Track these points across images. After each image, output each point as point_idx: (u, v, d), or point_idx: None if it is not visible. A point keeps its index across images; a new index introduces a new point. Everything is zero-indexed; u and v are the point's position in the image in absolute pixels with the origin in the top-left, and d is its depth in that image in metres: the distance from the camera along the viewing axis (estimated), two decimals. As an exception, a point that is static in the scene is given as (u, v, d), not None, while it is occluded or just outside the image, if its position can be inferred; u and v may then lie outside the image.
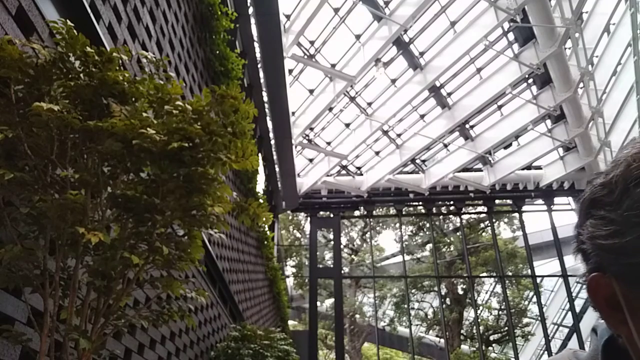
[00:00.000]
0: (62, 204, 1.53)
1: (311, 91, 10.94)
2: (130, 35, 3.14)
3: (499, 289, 17.40)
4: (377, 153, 13.34)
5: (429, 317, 19.33)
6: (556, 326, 16.89)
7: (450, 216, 17.39)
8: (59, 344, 1.70)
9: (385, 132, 12.32)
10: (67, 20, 1.69)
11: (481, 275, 17.15)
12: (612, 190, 0.53)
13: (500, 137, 11.38)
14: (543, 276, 16.51)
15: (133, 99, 1.82)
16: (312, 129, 12.42)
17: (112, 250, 1.72)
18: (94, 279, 1.71)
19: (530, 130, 11.09)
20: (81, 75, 1.69)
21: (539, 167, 13.42)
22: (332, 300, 17.24)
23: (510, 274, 16.97)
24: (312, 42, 9.86)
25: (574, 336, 13.92)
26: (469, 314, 17.93)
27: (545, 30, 8.37)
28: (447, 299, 18.12)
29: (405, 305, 17.34)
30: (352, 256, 20.51)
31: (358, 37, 9.51)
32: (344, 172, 14.25)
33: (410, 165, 13.77)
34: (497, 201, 14.85)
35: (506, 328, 17.10)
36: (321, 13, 8.36)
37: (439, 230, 18.71)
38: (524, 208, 14.37)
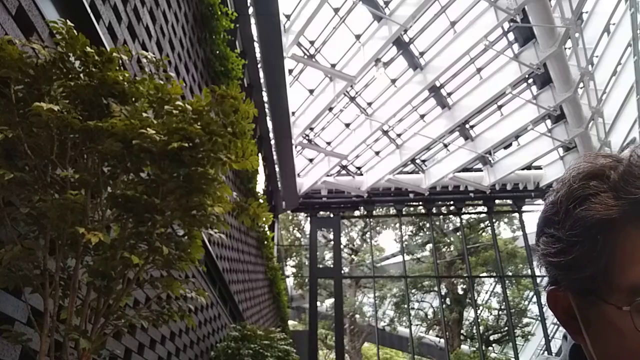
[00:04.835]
0: (62, 204, 1.53)
1: (311, 91, 10.94)
2: (130, 35, 3.13)
3: (499, 289, 17.39)
4: (377, 153, 13.34)
5: (429, 317, 19.33)
6: (556, 326, 16.86)
7: (450, 216, 17.40)
8: (59, 344, 1.70)
9: (385, 132, 12.32)
10: (67, 20, 1.69)
11: (481, 275, 17.15)
12: (558, 210, 0.57)
13: (500, 137, 11.38)
14: (543, 276, 16.36)
15: (133, 99, 1.82)
16: (312, 129, 12.42)
17: (112, 250, 1.72)
18: (94, 279, 1.71)
19: (530, 130, 11.09)
20: (81, 75, 1.69)
21: (539, 167, 13.42)
22: (332, 300, 17.24)
23: (510, 274, 16.97)
24: (312, 42, 9.86)
25: (574, 336, 13.90)
26: (469, 314, 17.93)
27: (545, 30, 8.37)
28: (447, 299, 18.12)
29: (405, 305, 17.34)
30: (352, 256, 20.51)
31: (358, 37, 9.51)
32: (344, 172, 14.25)
33: (410, 165, 13.77)
34: (497, 201, 14.86)
35: (506, 328, 17.10)
36: (321, 13, 8.36)
37: (439, 230, 18.71)
38: (524, 208, 14.37)
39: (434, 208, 15.37)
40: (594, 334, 0.55)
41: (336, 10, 9.27)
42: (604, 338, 0.53)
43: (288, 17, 8.76)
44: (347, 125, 12.17)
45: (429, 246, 18.51)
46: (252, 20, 7.51)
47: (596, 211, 0.53)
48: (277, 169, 11.54)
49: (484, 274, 17.07)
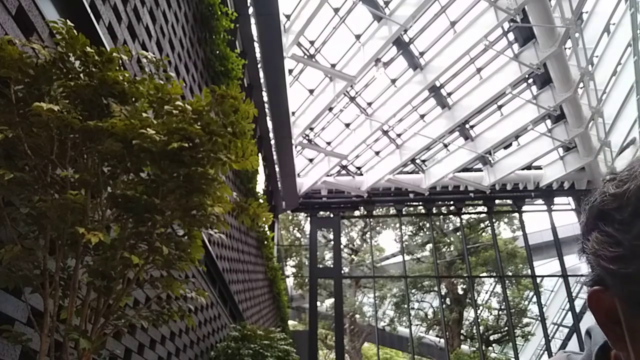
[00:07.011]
0: (62, 204, 1.53)
1: (311, 91, 10.94)
2: (130, 35, 3.13)
3: (499, 289, 17.40)
4: (377, 153, 13.34)
5: (429, 317, 19.33)
6: (556, 326, 16.89)
7: (450, 216, 17.39)
8: (59, 344, 1.70)
9: (385, 132, 12.32)
10: (67, 20, 1.69)
11: (481, 275, 17.15)
12: (623, 205, 0.48)
13: (500, 137, 11.38)
14: (543, 276, 16.50)
15: (133, 99, 1.82)
16: (312, 129, 12.41)
17: (112, 250, 1.72)
18: (94, 279, 1.71)
19: (530, 130, 11.09)
20: (81, 75, 1.69)
21: (539, 167, 13.42)
22: (332, 300, 17.25)
23: (510, 274, 16.97)
24: (312, 42, 9.86)
25: (574, 336, 13.93)
26: (469, 314, 17.93)
27: (545, 30, 8.37)
28: (447, 299, 18.12)
29: (405, 305, 17.34)
30: (352, 256, 20.51)
31: (358, 37, 9.50)
32: (344, 172, 14.25)
33: (410, 165, 13.77)
34: (497, 201, 14.85)
35: (506, 328, 17.11)
36: (321, 13, 8.35)
37: (439, 230, 18.71)
38: (524, 208, 14.37)
39: (434, 208, 15.37)
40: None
41: (336, 10, 9.27)
42: None
43: (288, 17, 8.76)
44: (347, 125, 12.17)
45: (429, 246, 18.51)
46: (252, 20, 7.51)
47: None
48: (277, 169, 11.54)
49: (484, 274, 17.08)
